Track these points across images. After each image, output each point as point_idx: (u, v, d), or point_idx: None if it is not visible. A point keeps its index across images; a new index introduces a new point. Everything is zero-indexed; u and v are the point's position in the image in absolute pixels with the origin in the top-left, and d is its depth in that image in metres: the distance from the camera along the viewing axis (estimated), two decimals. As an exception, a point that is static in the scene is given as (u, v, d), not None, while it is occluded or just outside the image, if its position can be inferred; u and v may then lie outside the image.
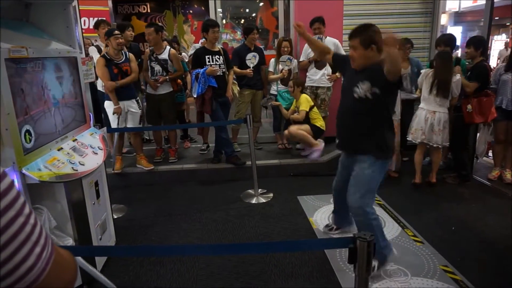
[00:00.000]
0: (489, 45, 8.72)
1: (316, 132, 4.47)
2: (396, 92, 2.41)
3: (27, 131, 2.00)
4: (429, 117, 3.75)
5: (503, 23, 10.72)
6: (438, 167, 4.00)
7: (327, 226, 3.13)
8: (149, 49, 4.48)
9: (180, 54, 5.17)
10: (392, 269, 2.54)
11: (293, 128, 4.46)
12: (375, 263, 2.43)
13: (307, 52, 4.71)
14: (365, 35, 2.28)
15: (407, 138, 4.00)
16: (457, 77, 3.76)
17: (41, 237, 0.52)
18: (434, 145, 3.80)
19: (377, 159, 2.38)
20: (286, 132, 4.59)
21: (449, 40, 4.03)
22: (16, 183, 1.49)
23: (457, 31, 9.80)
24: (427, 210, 3.48)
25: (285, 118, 4.73)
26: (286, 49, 4.76)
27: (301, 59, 4.83)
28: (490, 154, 4.49)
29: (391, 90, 2.33)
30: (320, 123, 4.49)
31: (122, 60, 4.04)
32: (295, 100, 4.61)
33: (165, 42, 4.95)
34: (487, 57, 4.06)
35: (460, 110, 3.91)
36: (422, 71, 3.95)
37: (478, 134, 4.35)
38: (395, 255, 2.64)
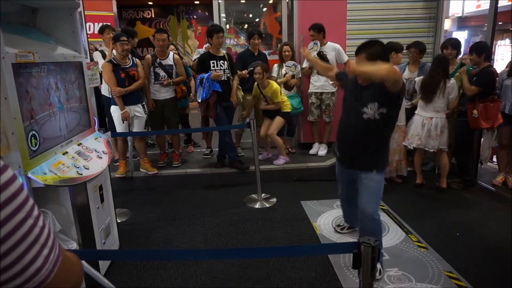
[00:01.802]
0: (493, 50, 8.72)
1: (286, 116, 4.63)
2: (400, 105, 2.38)
3: (33, 135, 2.02)
4: (426, 123, 3.78)
5: (506, 28, 10.70)
6: (447, 172, 3.99)
7: (339, 225, 3.20)
8: (150, 55, 4.50)
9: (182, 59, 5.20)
10: (396, 275, 2.53)
11: (274, 133, 4.57)
12: (379, 266, 2.48)
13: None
14: (371, 49, 2.27)
15: (403, 143, 3.99)
16: (451, 81, 3.75)
17: (49, 240, 0.53)
18: (431, 150, 3.83)
19: (380, 170, 2.44)
20: (262, 133, 4.64)
21: (457, 43, 4.09)
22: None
23: (460, 36, 9.80)
24: (431, 216, 3.46)
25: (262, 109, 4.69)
26: (287, 53, 4.79)
27: (303, 66, 4.84)
28: (495, 159, 4.47)
29: (395, 105, 2.32)
30: (287, 106, 4.57)
31: (129, 65, 4.07)
32: (259, 88, 4.55)
33: (172, 46, 4.99)
34: (490, 61, 4.04)
35: (465, 115, 3.90)
36: (417, 78, 3.95)
37: (482, 139, 4.33)
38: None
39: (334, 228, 3.19)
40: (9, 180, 0.49)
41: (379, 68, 2.10)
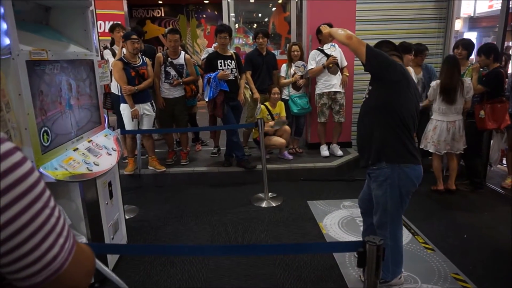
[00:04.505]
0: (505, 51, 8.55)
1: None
2: (386, 88, 2.17)
3: (45, 131, 2.06)
4: (450, 127, 3.74)
5: (519, 29, 10.54)
6: (456, 174, 3.95)
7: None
8: (161, 53, 4.54)
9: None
10: (402, 276, 2.52)
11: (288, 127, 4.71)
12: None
13: (317, 59, 4.70)
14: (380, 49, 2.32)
15: (428, 150, 3.92)
16: (468, 80, 3.73)
17: (64, 229, 0.56)
18: (458, 152, 3.79)
19: (386, 178, 2.18)
20: (282, 141, 4.62)
21: (468, 44, 4.04)
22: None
23: (472, 37, 9.68)
24: (439, 217, 3.44)
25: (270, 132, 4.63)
26: (296, 52, 4.78)
27: (309, 67, 4.79)
28: (505, 162, 4.42)
29: (380, 85, 2.18)
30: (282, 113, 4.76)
31: (139, 64, 4.12)
32: (269, 106, 4.66)
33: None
34: (501, 63, 4.01)
35: (473, 116, 3.88)
36: (433, 83, 3.90)
37: (491, 142, 4.29)
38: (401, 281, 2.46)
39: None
40: (27, 172, 0.51)
41: (340, 32, 2.26)
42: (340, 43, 2.31)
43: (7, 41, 1.77)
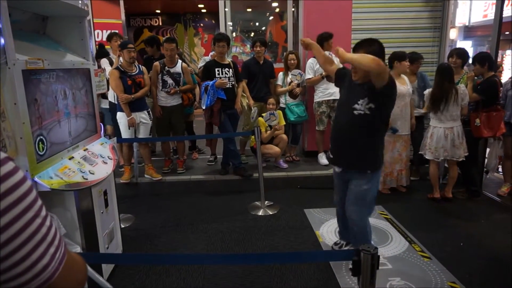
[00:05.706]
0: (501, 60, 8.66)
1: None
2: (389, 103, 2.34)
3: (41, 140, 2.06)
4: (448, 134, 3.75)
5: (513, 38, 10.64)
6: (454, 182, 3.96)
7: (336, 244, 3.03)
8: (158, 62, 4.57)
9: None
10: (399, 285, 2.52)
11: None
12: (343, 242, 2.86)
13: (315, 68, 4.73)
14: (368, 48, 2.28)
15: (425, 157, 3.94)
16: (462, 87, 3.76)
17: (56, 239, 0.56)
18: (460, 159, 3.78)
19: (372, 173, 2.44)
20: (277, 149, 4.68)
21: (463, 53, 4.09)
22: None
23: (467, 46, 9.78)
24: (435, 226, 3.44)
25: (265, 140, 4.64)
26: (292, 61, 4.82)
27: (307, 76, 4.82)
28: (500, 169, 4.44)
29: (383, 102, 2.29)
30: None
31: (136, 72, 4.14)
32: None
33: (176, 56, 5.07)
34: (495, 71, 4.05)
35: (468, 124, 3.90)
36: (426, 91, 3.93)
37: (488, 149, 4.31)
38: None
39: (332, 247, 3.02)
40: (19, 181, 0.52)
41: (363, 57, 2.14)
42: (363, 68, 2.16)
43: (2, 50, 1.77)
